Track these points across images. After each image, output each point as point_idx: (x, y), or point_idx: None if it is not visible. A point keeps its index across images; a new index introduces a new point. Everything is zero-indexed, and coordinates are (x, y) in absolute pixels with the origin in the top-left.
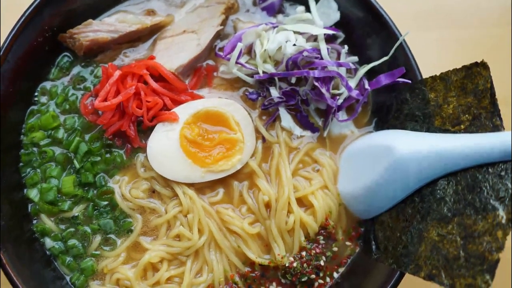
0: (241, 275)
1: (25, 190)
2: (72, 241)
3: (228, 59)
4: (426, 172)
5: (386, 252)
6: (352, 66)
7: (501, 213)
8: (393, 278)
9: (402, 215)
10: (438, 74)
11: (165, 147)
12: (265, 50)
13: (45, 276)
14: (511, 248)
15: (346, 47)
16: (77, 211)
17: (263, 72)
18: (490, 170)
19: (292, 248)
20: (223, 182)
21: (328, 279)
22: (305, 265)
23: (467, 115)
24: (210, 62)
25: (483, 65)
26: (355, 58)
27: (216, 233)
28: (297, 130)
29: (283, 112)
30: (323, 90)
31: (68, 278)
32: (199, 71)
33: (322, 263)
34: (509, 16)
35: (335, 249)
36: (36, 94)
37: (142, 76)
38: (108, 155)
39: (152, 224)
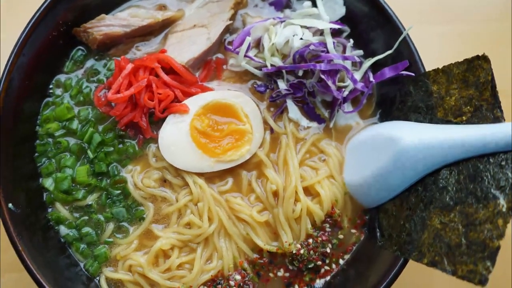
0: (250, 262)
1: (40, 179)
2: (86, 229)
3: (237, 53)
4: (428, 162)
5: (390, 239)
6: (357, 60)
7: (502, 201)
8: (397, 265)
9: (406, 203)
10: (440, 67)
11: (176, 138)
12: (273, 44)
13: (60, 263)
14: (511, 236)
15: (351, 41)
16: (90, 199)
17: (271, 65)
18: (491, 160)
19: (299, 236)
20: (232, 171)
21: (334, 266)
22: (311, 252)
23: (468, 107)
24: (220, 55)
25: (484, 58)
26: (360, 52)
27: (226, 221)
28: (304, 121)
29: (290, 104)
30: (329, 83)
31: (82, 265)
32: (209, 64)
33: (328, 250)
34: (510, 10)
35: (341, 236)
36: (51, 86)
37: (154, 69)
38: (120, 146)
39: (164, 212)
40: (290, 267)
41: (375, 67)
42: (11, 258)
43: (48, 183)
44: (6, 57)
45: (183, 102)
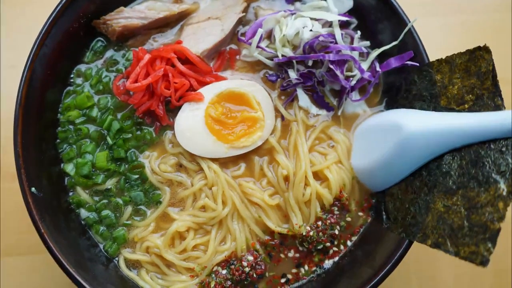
0: (262, 243)
1: (62, 165)
2: (105, 212)
3: (250, 44)
4: (432, 147)
5: (395, 222)
6: (364, 50)
7: (502, 186)
8: (402, 246)
9: (411, 187)
10: (444, 57)
11: (191, 125)
12: (284, 35)
13: (80, 244)
14: (511, 219)
15: (358, 32)
16: (110, 184)
17: (282, 55)
18: (492, 146)
19: (309, 218)
20: (245, 157)
21: (342, 247)
22: (320, 234)
23: (470, 95)
24: (233, 46)
25: (485, 49)
26: (367, 43)
27: (239, 204)
28: (314, 109)
29: (300, 93)
30: (338, 72)
31: (101, 246)
32: (223, 55)
33: (336, 232)
34: (510, 1)
35: (349, 219)
36: (72, 76)
37: (170, 59)
38: (138, 132)
39: (179, 196)
40: (300, 248)
41: (381, 57)
42: (34, 240)
43: (69, 168)
44: (28, 49)
45: (198, 91)
